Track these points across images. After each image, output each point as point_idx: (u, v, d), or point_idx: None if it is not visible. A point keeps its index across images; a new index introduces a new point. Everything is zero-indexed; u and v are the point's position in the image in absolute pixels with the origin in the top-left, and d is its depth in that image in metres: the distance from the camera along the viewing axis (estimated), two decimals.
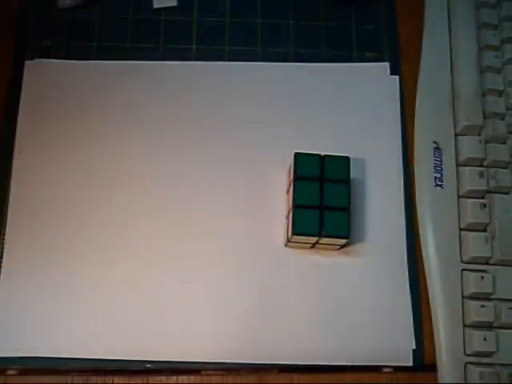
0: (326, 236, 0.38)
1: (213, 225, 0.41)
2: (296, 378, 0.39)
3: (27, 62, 0.44)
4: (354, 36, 0.47)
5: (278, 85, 0.45)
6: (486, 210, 0.41)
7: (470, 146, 0.42)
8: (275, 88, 0.45)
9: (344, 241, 0.39)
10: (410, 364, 0.39)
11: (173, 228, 0.41)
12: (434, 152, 0.43)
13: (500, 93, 0.44)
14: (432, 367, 0.39)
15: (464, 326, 0.39)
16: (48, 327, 0.39)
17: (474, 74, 0.44)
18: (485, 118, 0.43)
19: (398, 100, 0.45)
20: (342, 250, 0.41)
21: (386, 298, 0.40)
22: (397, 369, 0.39)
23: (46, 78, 0.44)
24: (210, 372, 0.39)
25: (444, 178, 0.42)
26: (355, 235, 0.41)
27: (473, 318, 0.38)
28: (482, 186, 0.41)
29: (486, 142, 0.42)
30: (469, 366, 0.38)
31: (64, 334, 0.38)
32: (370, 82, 0.46)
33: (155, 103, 0.44)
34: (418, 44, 0.46)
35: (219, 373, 0.39)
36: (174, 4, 0.47)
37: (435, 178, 0.42)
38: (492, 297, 0.39)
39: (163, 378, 0.38)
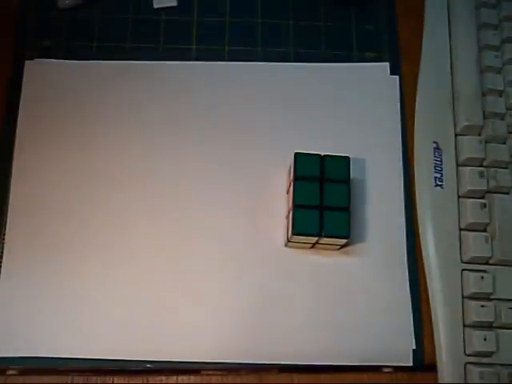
0: (326, 236, 0.38)
1: (213, 225, 0.41)
2: (296, 378, 0.39)
3: (27, 62, 0.44)
4: (354, 36, 0.47)
5: (278, 85, 0.45)
6: (486, 210, 0.41)
7: (469, 146, 0.42)
8: (275, 88, 0.45)
9: (344, 241, 0.39)
10: (410, 364, 0.39)
11: (173, 228, 0.41)
12: (434, 152, 0.43)
13: (500, 93, 0.44)
14: (432, 367, 0.39)
15: (464, 326, 0.39)
16: (48, 327, 0.39)
17: (474, 74, 0.44)
18: (485, 117, 0.43)
19: (398, 100, 0.45)
20: (342, 250, 0.41)
21: (386, 297, 0.40)
22: (397, 369, 0.39)
23: (45, 78, 0.44)
24: (210, 372, 0.39)
25: (444, 178, 0.42)
26: (355, 235, 0.41)
27: (473, 317, 0.38)
28: (481, 186, 0.41)
29: (486, 142, 0.42)
30: (469, 365, 0.38)
31: (64, 334, 0.38)
32: (370, 82, 0.46)
33: (155, 103, 0.44)
34: (418, 44, 0.46)
35: (219, 373, 0.39)
36: (174, 4, 0.47)
37: (435, 178, 0.42)
38: (492, 297, 0.39)
39: (163, 378, 0.38)
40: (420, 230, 0.41)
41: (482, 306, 0.39)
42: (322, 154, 0.40)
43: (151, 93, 0.44)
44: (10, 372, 0.38)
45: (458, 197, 0.42)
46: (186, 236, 0.41)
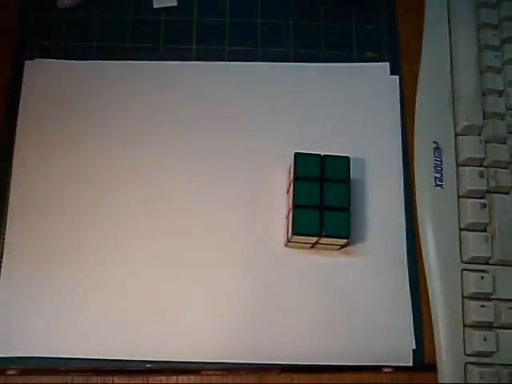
0: (326, 236, 0.38)
1: (213, 225, 0.41)
2: (296, 378, 0.39)
3: (27, 62, 0.44)
4: (354, 36, 0.47)
5: (278, 85, 0.45)
6: (486, 210, 0.41)
7: (469, 146, 0.42)
8: (275, 88, 0.45)
9: (344, 241, 0.39)
10: (410, 364, 0.39)
11: (173, 229, 0.41)
12: (434, 152, 0.43)
13: (500, 93, 0.44)
14: (432, 367, 0.39)
15: (464, 325, 0.39)
16: (48, 327, 0.39)
17: (474, 74, 0.44)
18: (485, 118, 0.43)
19: (398, 100, 0.45)
20: (342, 250, 0.41)
21: (386, 298, 0.40)
22: (397, 369, 0.39)
23: (45, 78, 0.44)
24: (210, 372, 0.39)
25: (444, 177, 0.42)
26: (355, 235, 0.41)
27: (473, 317, 0.38)
28: (481, 186, 0.41)
29: (486, 142, 0.42)
30: (469, 365, 0.38)
31: (64, 334, 0.38)
32: (370, 82, 0.46)
33: (155, 103, 0.44)
34: (418, 44, 0.46)
35: (219, 373, 0.39)
36: (174, 4, 0.47)
37: (435, 178, 0.42)
38: (492, 297, 0.39)
39: (163, 378, 0.38)
40: (420, 230, 0.41)
41: (482, 306, 0.39)
42: (322, 153, 0.40)
43: (151, 93, 0.44)
44: (10, 372, 0.38)
45: (458, 197, 0.42)
46: (186, 236, 0.41)
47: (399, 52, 0.47)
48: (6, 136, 0.42)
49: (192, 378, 0.39)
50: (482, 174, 0.41)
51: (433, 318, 0.39)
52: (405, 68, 0.46)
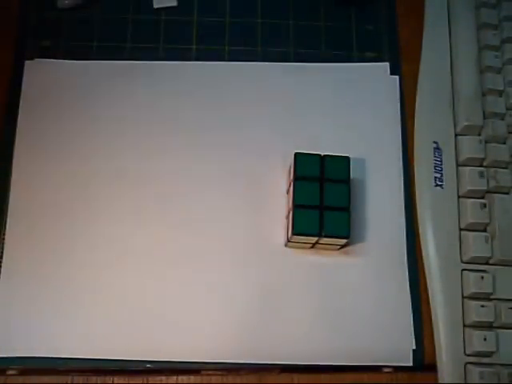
0: (326, 236, 0.38)
1: (213, 225, 0.41)
2: (296, 378, 0.39)
3: (27, 62, 0.44)
4: (354, 36, 0.47)
5: (278, 85, 0.45)
6: (486, 210, 0.41)
7: (470, 146, 0.42)
8: (275, 88, 0.45)
9: (344, 241, 0.39)
10: (410, 364, 0.39)
11: (172, 228, 0.41)
12: (434, 152, 0.43)
13: (500, 93, 0.44)
14: (432, 367, 0.39)
15: (464, 326, 0.39)
16: (48, 327, 0.39)
17: (474, 74, 0.44)
18: (485, 117, 0.43)
19: (398, 100, 0.45)
20: (342, 249, 0.41)
21: (386, 297, 0.40)
22: (397, 369, 0.39)
23: (45, 78, 0.44)
24: (210, 372, 0.39)
25: (444, 178, 0.42)
26: (355, 235, 0.41)
27: (473, 318, 0.38)
28: (482, 186, 0.41)
29: (486, 142, 0.42)
30: (469, 365, 0.38)
31: (64, 334, 0.38)
32: (370, 82, 0.46)
33: (155, 103, 0.44)
34: (418, 44, 0.46)
35: (219, 373, 0.39)
36: (174, 4, 0.47)
37: (435, 178, 0.42)
38: (492, 297, 0.39)
39: (163, 378, 0.38)
40: (420, 230, 0.41)
41: (482, 306, 0.39)
42: (322, 154, 0.40)
43: (151, 93, 0.44)
44: (10, 372, 0.38)
45: (458, 197, 0.42)
46: (185, 236, 0.41)
47: (399, 52, 0.47)
48: (6, 136, 0.42)
49: (192, 378, 0.39)
50: (482, 174, 0.41)
51: (433, 318, 0.39)
52: (405, 68, 0.46)
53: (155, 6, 0.47)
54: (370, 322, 0.40)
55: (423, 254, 0.41)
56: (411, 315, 0.40)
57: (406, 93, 0.45)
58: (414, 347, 0.40)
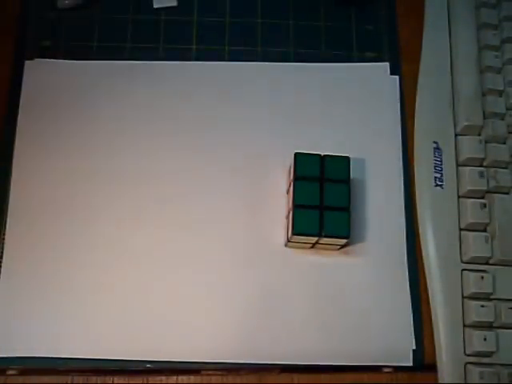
0: (326, 236, 0.38)
1: (213, 225, 0.41)
2: (296, 378, 0.39)
3: (27, 62, 0.44)
4: (354, 36, 0.47)
5: (278, 85, 0.45)
6: (486, 210, 0.41)
7: (470, 146, 0.42)
8: (275, 88, 0.45)
9: (344, 241, 0.39)
10: (410, 364, 0.39)
11: (172, 228, 0.41)
12: (434, 152, 0.43)
13: (500, 93, 0.44)
14: (432, 367, 0.39)
15: (464, 326, 0.39)
16: (48, 327, 0.39)
17: (474, 74, 0.44)
18: (485, 118, 0.43)
19: (398, 100, 0.45)
20: (342, 249, 0.41)
21: (386, 297, 0.40)
22: (397, 369, 0.39)
23: (45, 78, 0.44)
24: (210, 372, 0.39)
25: (444, 177, 0.42)
26: (355, 235, 0.41)
27: (473, 318, 0.38)
28: (482, 186, 0.41)
29: (486, 142, 0.42)
30: (469, 365, 0.38)
31: (64, 334, 0.38)
32: (370, 82, 0.46)
33: (155, 103, 0.44)
34: (418, 44, 0.46)
35: (219, 373, 0.39)
36: (174, 4, 0.47)
37: (435, 177, 0.42)
38: (492, 297, 0.39)
39: (163, 378, 0.38)
40: (420, 230, 0.41)
41: (482, 306, 0.39)
42: (322, 154, 0.40)
43: (151, 93, 0.44)
44: (10, 372, 0.38)
45: (458, 197, 0.42)
46: (185, 236, 0.41)
47: (399, 52, 0.47)
48: (6, 136, 0.42)
49: (192, 378, 0.39)
50: (481, 174, 0.41)
51: (433, 318, 0.39)
52: (405, 68, 0.46)
53: (155, 5, 0.47)
54: (370, 322, 0.40)
55: (423, 254, 0.41)
56: (411, 315, 0.40)
57: (406, 93, 0.45)
58: (414, 347, 0.40)
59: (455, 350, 0.38)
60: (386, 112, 0.45)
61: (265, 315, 0.40)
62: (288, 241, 0.40)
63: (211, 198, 0.42)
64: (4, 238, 0.40)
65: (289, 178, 0.41)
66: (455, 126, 0.43)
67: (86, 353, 0.38)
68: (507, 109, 0.43)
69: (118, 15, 0.46)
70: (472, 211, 0.41)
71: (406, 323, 0.40)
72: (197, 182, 0.42)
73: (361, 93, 0.45)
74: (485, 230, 0.41)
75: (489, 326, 0.39)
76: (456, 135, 0.43)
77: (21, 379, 0.38)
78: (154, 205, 0.41)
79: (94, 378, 0.38)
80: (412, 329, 0.40)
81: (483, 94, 0.44)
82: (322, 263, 0.41)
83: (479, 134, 0.43)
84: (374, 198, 0.43)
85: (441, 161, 0.42)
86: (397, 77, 0.46)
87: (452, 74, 0.45)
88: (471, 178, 0.41)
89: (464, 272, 0.40)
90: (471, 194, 0.41)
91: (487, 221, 0.41)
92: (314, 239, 0.39)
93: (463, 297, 0.39)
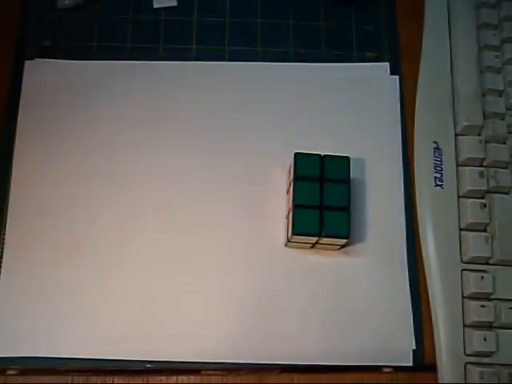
0: (326, 236, 0.38)
1: (213, 225, 0.41)
2: (296, 378, 0.39)
3: (27, 62, 0.44)
4: (354, 36, 0.47)
5: (278, 85, 0.45)
6: (486, 210, 0.41)
7: (469, 146, 0.42)
8: (275, 88, 0.45)
9: (344, 241, 0.39)
10: (410, 364, 0.39)
11: (172, 228, 0.41)
12: (434, 152, 0.43)
13: (500, 93, 0.44)
14: (432, 367, 0.39)
15: (464, 326, 0.39)
16: (48, 327, 0.39)
17: (474, 74, 0.44)
18: (485, 118, 0.43)
19: (398, 100, 0.45)
20: (342, 249, 0.41)
21: (386, 297, 0.40)
22: (397, 369, 0.39)
23: (45, 78, 0.44)
24: (210, 372, 0.39)
25: (444, 177, 0.42)
26: (355, 235, 0.41)
27: (473, 318, 0.38)
28: (482, 186, 0.41)
29: (486, 142, 0.42)
30: (469, 365, 0.38)
31: (64, 334, 0.38)
32: (370, 82, 0.46)
33: (155, 103, 0.44)
34: (418, 44, 0.46)
35: (219, 373, 0.39)
36: (174, 4, 0.47)
37: (435, 177, 0.42)
38: (492, 297, 0.39)
39: (163, 378, 0.38)
40: (420, 230, 0.41)
41: (482, 306, 0.39)
42: (322, 153, 0.40)
43: (151, 93, 0.44)
44: (10, 372, 0.38)
45: (458, 197, 0.42)
46: (186, 236, 0.41)
47: (399, 52, 0.47)
48: (6, 136, 0.42)
49: (192, 378, 0.39)
50: (481, 174, 0.41)
51: (433, 318, 0.39)
52: (405, 68, 0.46)
53: (155, 5, 0.47)
54: (370, 322, 0.40)
55: (423, 254, 0.41)
56: (411, 315, 0.40)
57: (406, 93, 0.45)
58: (414, 347, 0.40)
59: (455, 350, 0.38)
60: (386, 112, 0.45)
61: (265, 315, 0.40)
62: (288, 241, 0.40)
63: (211, 198, 0.42)
64: (4, 238, 0.40)
65: (289, 177, 0.41)
66: (455, 125, 0.43)
67: (86, 353, 0.38)
68: (507, 109, 0.43)
69: (118, 15, 0.46)
70: (472, 211, 0.41)
71: (406, 323, 0.40)
72: (197, 181, 0.42)
73: (361, 93, 0.45)
74: (485, 230, 0.41)
75: (489, 326, 0.39)
76: (456, 135, 0.43)
77: (21, 379, 0.38)
78: (153, 204, 0.41)
79: (94, 378, 0.38)
80: (412, 329, 0.40)
81: (483, 94, 0.44)
82: (321, 263, 0.41)
83: (479, 134, 0.43)
84: (374, 198, 0.43)
85: (441, 161, 0.42)
86: (397, 77, 0.46)
87: (452, 74, 0.45)
88: (471, 178, 0.41)
89: (464, 272, 0.40)
90: (471, 194, 0.41)
91: (487, 221, 0.41)
92: (314, 239, 0.39)
93: (463, 297, 0.39)
